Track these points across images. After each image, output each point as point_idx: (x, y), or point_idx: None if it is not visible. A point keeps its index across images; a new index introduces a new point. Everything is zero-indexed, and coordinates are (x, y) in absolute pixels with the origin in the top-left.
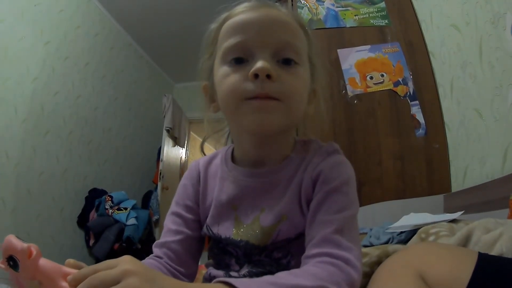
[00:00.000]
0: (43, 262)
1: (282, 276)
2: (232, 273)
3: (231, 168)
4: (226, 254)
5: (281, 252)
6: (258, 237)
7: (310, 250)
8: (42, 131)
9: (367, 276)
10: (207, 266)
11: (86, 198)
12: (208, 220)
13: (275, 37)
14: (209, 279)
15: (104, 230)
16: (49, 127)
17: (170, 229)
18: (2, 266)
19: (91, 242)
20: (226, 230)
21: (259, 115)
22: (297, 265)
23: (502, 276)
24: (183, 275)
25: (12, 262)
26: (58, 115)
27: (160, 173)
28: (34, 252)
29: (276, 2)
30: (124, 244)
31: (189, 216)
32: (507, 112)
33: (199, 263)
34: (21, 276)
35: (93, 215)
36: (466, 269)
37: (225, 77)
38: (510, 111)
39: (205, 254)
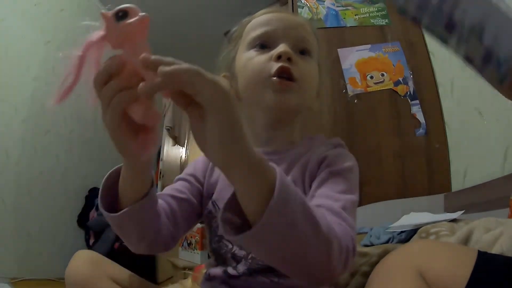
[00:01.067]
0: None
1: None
2: (230, 270)
3: None
4: (223, 249)
5: None
6: None
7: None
8: (42, 130)
9: (367, 276)
10: (207, 266)
11: (86, 197)
12: (215, 195)
13: (295, 32)
14: (209, 279)
15: (104, 229)
16: (50, 126)
17: (174, 187)
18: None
19: (91, 241)
20: None
21: (280, 94)
22: None
23: (501, 274)
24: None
25: (122, 14)
26: (59, 114)
27: (160, 172)
28: (148, 23)
29: (277, 2)
30: (124, 244)
31: (195, 184)
32: (507, 112)
33: (200, 263)
34: (114, 34)
35: (93, 214)
36: (465, 267)
37: (250, 59)
38: (510, 111)
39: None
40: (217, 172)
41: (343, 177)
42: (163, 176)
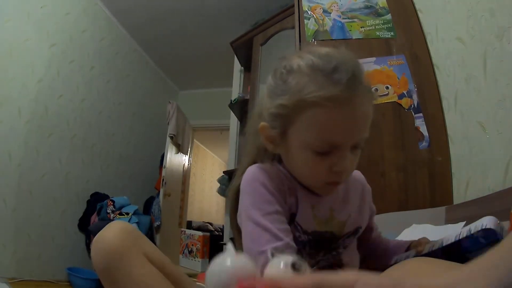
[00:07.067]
0: None
1: None
2: None
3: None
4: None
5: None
6: (337, 227)
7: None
8: (45, 133)
9: None
10: None
11: (88, 201)
12: (298, 217)
13: (360, 135)
14: None
15: None
16: (53, 129)
17: (280, 229)
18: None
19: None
20: (309, 226)
21: (329, 191)
22: (346, 257)
23: None
24: None
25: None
26: (62, 117)
27: (163, 179)
28: None
29: (283, 12)
30: None
31: (285, 209)
32: (510, 126)
33: (200, 271)
34: None
35: (94, 218)
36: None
37: (309, 162)
38: None
39: None
40: (290, 199)
41: None
42: (165, 183)
